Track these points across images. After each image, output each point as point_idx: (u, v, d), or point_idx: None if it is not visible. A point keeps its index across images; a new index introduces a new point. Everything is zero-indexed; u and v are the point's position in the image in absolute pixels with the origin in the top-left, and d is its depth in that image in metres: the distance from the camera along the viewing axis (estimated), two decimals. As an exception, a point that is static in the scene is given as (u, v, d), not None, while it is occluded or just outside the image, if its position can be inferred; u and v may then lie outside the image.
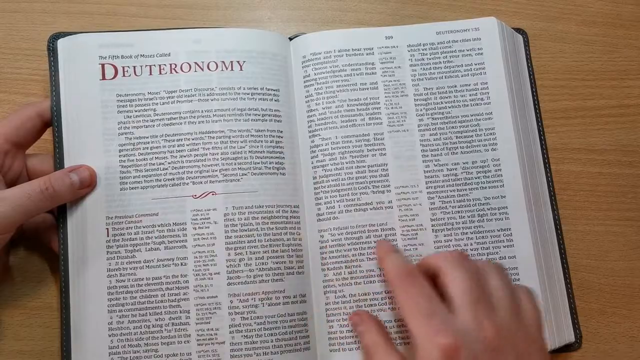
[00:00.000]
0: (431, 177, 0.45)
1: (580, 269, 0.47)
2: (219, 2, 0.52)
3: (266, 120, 0.45)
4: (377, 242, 0.43)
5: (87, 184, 0.42)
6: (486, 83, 0.47)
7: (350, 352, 0.42)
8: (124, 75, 0.45)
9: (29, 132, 0.42)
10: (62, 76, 0.44)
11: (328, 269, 0.43)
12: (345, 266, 0.43)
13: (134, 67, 0.45)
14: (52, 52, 0.44)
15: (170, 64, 0.45)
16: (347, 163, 0.45)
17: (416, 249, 0.44)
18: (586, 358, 0.45)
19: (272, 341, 0.41)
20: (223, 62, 0.45)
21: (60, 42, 0.45)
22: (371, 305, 0.43)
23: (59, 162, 0.43)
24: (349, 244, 0.44)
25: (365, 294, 0.43)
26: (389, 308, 0.43)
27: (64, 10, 0.50)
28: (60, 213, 0.43)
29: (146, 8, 0.51)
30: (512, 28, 0.50)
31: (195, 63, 0.45)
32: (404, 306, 0.36)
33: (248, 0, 0.52)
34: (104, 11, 0.50)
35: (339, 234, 0.44)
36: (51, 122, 0.43)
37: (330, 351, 0.42)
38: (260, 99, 0.45)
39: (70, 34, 0.45)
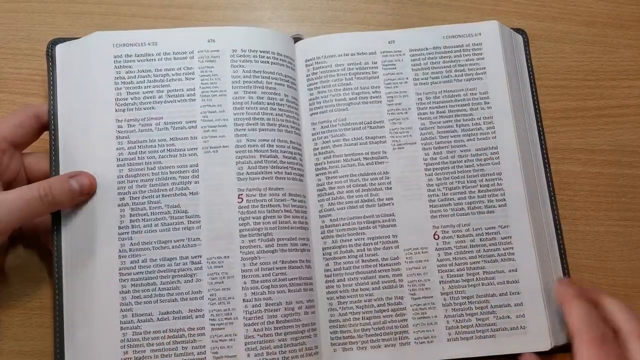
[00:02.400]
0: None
1: (580, 269, 0.47)
2: (219, 2, 0.52)
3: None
4: (558, 282, 0.41)
5: (87, 192, 0.42)
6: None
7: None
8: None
9: (26, 132, 0.42)
10: (59, 81, 0.44)
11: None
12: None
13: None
14: (51, 57, 0.45)
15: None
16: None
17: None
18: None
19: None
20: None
21: (59, 48, 0.45)
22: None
23: (54, 166, 0.43)
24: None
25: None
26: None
27: (64, 10, 0.50)
28: (54, 214, 0.42)
29: (146, 8, 0.51)
30: (512, 28, 0.50)
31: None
32: None
33: (248, 0, 0.52)
34: (104, 11, 0.50)
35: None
36: (48, 125, 0.43)
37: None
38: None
39: (68, 40, 0.45)
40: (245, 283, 0.42)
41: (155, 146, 0.43)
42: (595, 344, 0.35)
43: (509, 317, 0.43)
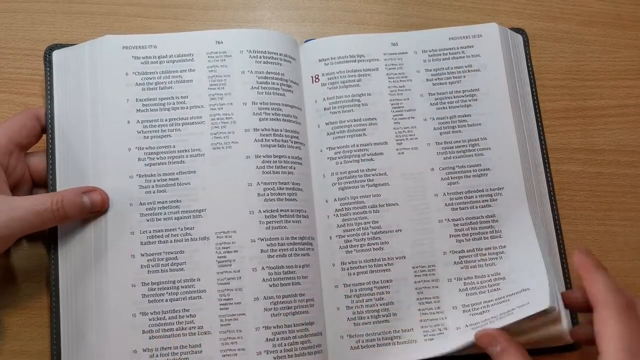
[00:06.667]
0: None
1: (580, 269, 0.47)
2: (219, 2, 0.52)
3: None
4: (577, 251, 0.39)
5: (98, 209, 0.42)
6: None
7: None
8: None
9: (30, 133, 0.43)
10: (55, 85, 0.45)
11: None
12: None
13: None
14: (48, 62, 0.45)
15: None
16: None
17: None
18: (585, 358, 0.45)
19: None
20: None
21: (56, 54, 0.45)
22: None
23: (51, 170, 0.43)
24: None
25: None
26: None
27: (64, 10, 0.50)
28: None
29: (146, 8, 0.51)
30: (512, 28, 0.50)
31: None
32: (613, 335, 0.33)
33: (248, 0, 0.52)
34: (104, 11, 0.50)
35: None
36: (45, 128, 0.44)
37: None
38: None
39: (66, 45, 0.46)
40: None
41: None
42: (624, 311, 0.34)
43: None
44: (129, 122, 0.44)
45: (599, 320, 0.35)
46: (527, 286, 0.42)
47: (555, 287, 0.41)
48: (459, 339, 0.42)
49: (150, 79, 0.45)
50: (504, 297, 0.43)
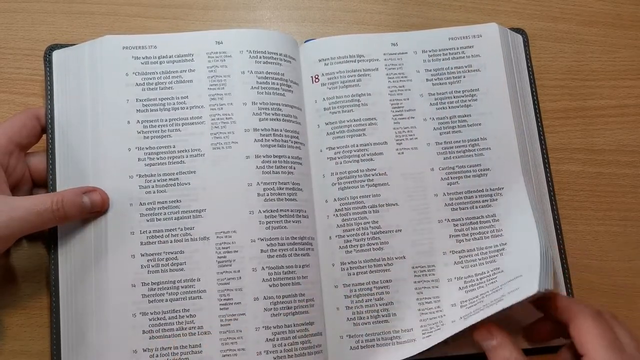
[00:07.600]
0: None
1: (580, 269, 0.47)
2: (219, 2, 0.52)
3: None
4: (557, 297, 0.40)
5: (98, 209, 0.42)
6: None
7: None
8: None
9: (30, 133, 0.43)
10: (55, 86, 0.45)
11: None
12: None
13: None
14: (48, 62, 0.45)
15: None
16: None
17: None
18: (586, 358, 0.45)
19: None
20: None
21: (56, 54, 0.45)
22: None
23: (51, 170, 0.43)
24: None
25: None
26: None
27: (64, 10, 0.50)
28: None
29: (146, 8, 0.51)
30: (512, 28, 0.50)
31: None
32: (596, 335, 0.36)
33: (248, 0, 0.52)
34: (104, 11, 0.50)
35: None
36: (45, 128, 0.44)
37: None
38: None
39: (66, 45, 0.46)
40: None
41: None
42: (598, 316, 0.37)
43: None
44: (129, 122, 0.44)
45: (577, 328, 0.37)
46: (520, 273, 0.41)
47: (550, 268, 0.40)
48: (453, 329, 0.42)
49: (151, 79, 0.45)
50: (498, 287, 0.43)
